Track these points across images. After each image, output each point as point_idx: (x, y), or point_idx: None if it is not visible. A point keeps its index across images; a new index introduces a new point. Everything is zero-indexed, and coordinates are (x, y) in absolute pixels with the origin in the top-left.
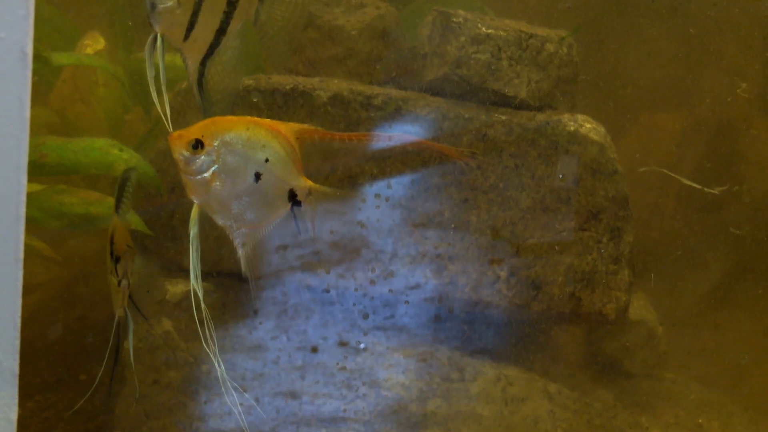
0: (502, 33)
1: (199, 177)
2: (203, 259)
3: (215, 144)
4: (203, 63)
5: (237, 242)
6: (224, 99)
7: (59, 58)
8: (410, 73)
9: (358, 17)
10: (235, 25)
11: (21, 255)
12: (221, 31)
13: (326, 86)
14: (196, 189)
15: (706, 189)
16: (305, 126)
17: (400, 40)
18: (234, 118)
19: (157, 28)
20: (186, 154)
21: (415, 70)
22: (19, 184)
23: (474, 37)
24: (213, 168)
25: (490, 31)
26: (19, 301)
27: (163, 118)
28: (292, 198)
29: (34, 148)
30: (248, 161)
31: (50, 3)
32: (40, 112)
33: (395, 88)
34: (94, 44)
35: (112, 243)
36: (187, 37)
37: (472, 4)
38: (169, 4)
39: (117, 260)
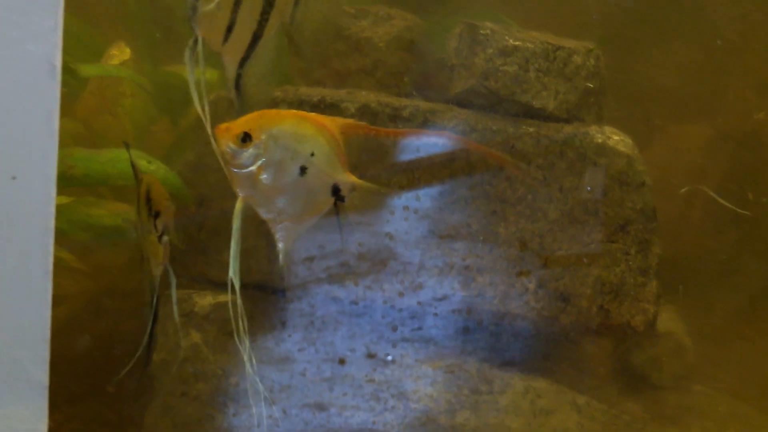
0: (529, 45)
1: (245, 170)
2: None
3: (263, 137)
4: (241, 66)
5: (278, 236)
6: (259, 103)
7: (86, 69)
8: (438, 84)
9: (385, 29)
10: (271, 28)
11: (50, 267)
12: (258, 35)
13: (354, 98)
14: (241, 182)
15: (740, 210)
16: (350, 121)
17: (427, 51)
18: (281, 111)
19: (198, 32)
20: (233, 146)
21: (442, 82)
22: (48, 196)
23: (501, 49)
24: (260, 161)
25: (517, 43)
26: (48, 314)
27: (204, 120)
28: (336, 193)
29: (61, 159)
30: (294, 155)
31: (76, 15)
32: (67, 123)
33: (423, 99)
34: (120, 54)
35: (148, 200)
36: (226, 40)
37: (496, 17)
38: (210, 6)
39: (156, 215)
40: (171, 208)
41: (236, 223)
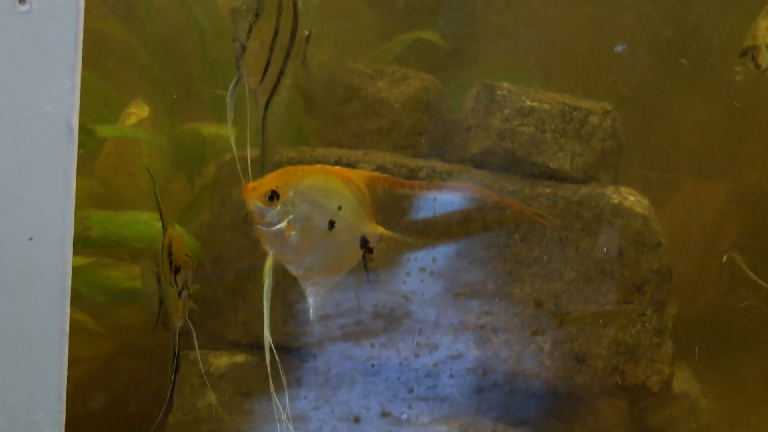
0: (546, 106)
1: (274, 228)
2: (247, 332)
3: (290, 194)
4: (267, 105)
5: (309, 291)
6: (277, 140)
7: (104, 130)
8: (454, 145)
9: (402, 89)
10: (290, 66)
11: (66, 328)
12: (282, 72)
13: (370, 158)
14: (271, 240)
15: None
16: (375, 173)
17: (444, 112)
18: (306, 167)
19: (243, 72)
20: (261, 205)
21: (459, 143)
22: (65, 257)
23: (518, 109)
24: (288, 218)
25: (534, 104)
26: (64, 375)
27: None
28: (364, 245)
29: (79, 221)
30: (322, 210)
31: (95, 72)
32: (84, 182)
33: (439, 160)
34: (138, 112)
35: (170, 254)
36: (262, 79)
37: (519, 77)
38: (256, 46)
39: (176, 271)
40: (191, 264)
41: (267, 281)
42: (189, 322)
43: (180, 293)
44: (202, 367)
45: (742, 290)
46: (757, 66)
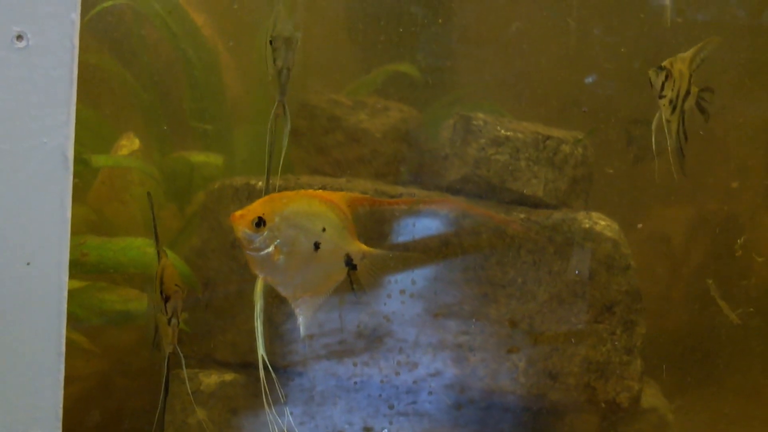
0: (520, 135)
1: (262, 253)
2: (235, 352)
3: (276, 219)
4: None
5: (298, 310)
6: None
7: (98, 160)
8: (432, 173)
9: (382, 120)
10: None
11: (63, 349)
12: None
13: (353, 186)
14: (260, 264)
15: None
16: (356, 194)
17: (422, 141)
18: (289, 193)
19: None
20: (249, 232)
21: (437, 171)
22: (61, 281)
23: (493, 139)
24: (275, 242)
25: (508, 133)
26: (60, 393)
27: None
28: (349, 262)
29: (75, 246)
30: (307, 232)
31: (89, 106)
32: (79, 210)
33: (418, 187)
34: (129, 145)
35: (161, 283)
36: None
37: (491, 107)
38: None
39: (167, 299)
40: (180, 293)
41: (258, 303)
42: (177, 348)
43: (169, 321)
44: (190, 386)
45: (708, 311)
46: (661, 89)
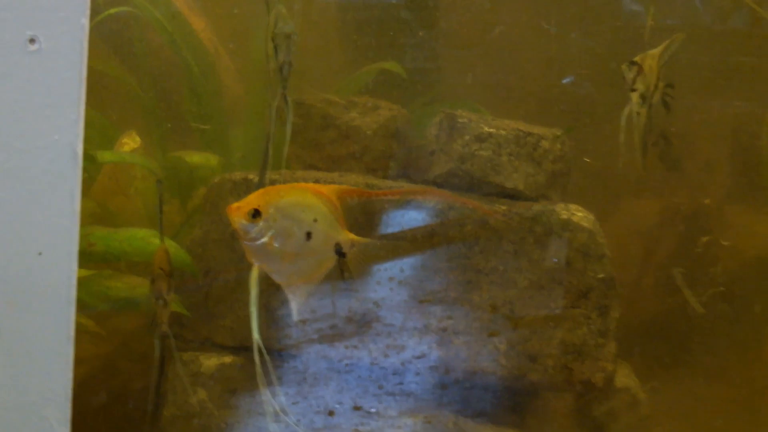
0: (502, 132)
1: (258, 242)
2: (234, 336)
3: (270, 211)
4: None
5: (292, 296)
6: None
7: (104, 156)
8: (419, 168)
9: (373, 118)
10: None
11: (72, 333)
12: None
13: (345, 180)
14: (255, 253)
15: (696, 306)
16: (345, 186)
17: (410, 138)
18: (283, 186)
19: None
20: (245, 223)
21: (423, 166)
22: (71, 270)
23: (477, 135)
24: (270, 233)
25: (491, 130)
26: (71, 375)
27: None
28: (338, 251)
29: (83, 237)
30: (300, 223)
31: (92, 106)
32: (85, 203)
33: (406, 181)
34: (131, 143)
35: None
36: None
37: (471, 107)
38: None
39: (152, 281)
40: (162, 275)
41: (254, 291)
42: (168, 330)
43: (157, 302)
44: (182, 369)
45: (675, 297)
46: (633, 82)
